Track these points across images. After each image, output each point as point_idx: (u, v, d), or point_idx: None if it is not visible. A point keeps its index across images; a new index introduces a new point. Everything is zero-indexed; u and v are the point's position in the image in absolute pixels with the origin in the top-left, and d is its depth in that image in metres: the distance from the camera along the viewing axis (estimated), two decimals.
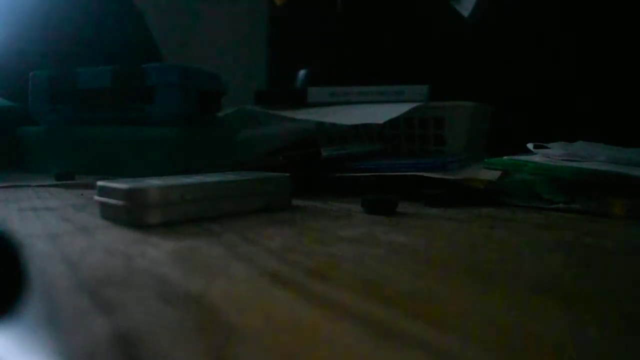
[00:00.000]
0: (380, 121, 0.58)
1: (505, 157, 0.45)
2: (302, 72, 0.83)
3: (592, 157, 0.43)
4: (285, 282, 0.19)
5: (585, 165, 0.41)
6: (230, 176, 0.37)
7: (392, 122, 0.66)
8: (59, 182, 0.54)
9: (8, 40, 0.81)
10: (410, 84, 0.67)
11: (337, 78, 0.72)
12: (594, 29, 0.69)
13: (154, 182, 0.32)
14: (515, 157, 0.45)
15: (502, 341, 0.14)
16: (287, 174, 0.39)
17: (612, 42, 0.68)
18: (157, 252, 0.24)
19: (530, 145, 0.48)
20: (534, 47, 0.74)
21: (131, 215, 0.30)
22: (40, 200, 0.41)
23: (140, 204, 0.30)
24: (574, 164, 0.41)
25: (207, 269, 0.21)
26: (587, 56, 0.70)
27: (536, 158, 0.45)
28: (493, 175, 0.44)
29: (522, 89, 0.74)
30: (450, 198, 0.41)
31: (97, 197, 0.33)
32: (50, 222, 0.31)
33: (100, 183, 0.33)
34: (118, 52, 0.78)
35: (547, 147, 0.48)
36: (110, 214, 0.32)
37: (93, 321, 0.15)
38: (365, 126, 0.70)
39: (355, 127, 0.70)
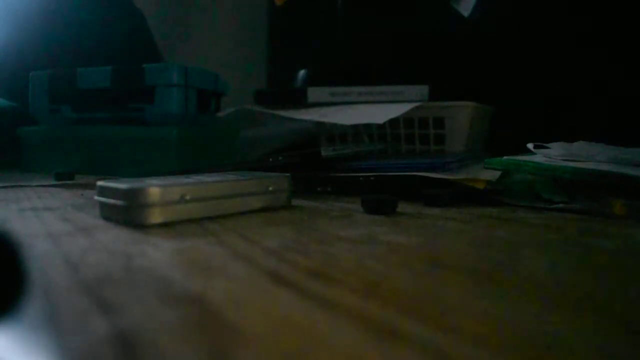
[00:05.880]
0: (380, 121, 0.58)
1: (505, 157, 0.45)
2: (302, 72, 0.83)
3: (592, 157, 0.43)
4: (285, 282, 0.19)
5: (585, 165, 0.41)
6: (230, 176, 0.37)
7: (392, 122, 0.66)
8: (59, 182, 0.54)
9: (8, 40, 0.81)
10: (410, 84, 0.67)
11: (337, 78, 0.72)
12: (594, 28, 0.69)
13: (154, 182, 0.32)
14: (515, 157, 0.45)
15: (502, 341, 0.14)
16: (287, 174, 0.39)
17: (612, 42, 0.68)
18: (157, 252, 0.24)
19: (530, 145, 0.48)
20: (534, 47, 0.74)
21: (131, 215, 0.30)
22: (40, 200, 0.41)
23: (140, 204, 0.30)
24: (574, 164, 0.41)
25: (207, 269, 0.21)
26: (588, 56, 0.70)
27: (536, 158, 0.45)
28: (493, 175, 0.44)
29: (522, 89, 0.74)
30: (450, 198, 0.41)
31: (97, 197, 0.33)
32: (50, 222, 0.31)
33: (100, 183, 0.33)
34: (118, 52, 0.78)
35: (547, 147, 0.48)
36: (110, 214, 0.32)
37: (93, 321, 0.15)
38: (365, 126, 0.70)
39: (355, 127, 0.70)
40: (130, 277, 0.20)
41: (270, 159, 0.49)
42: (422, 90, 0.67)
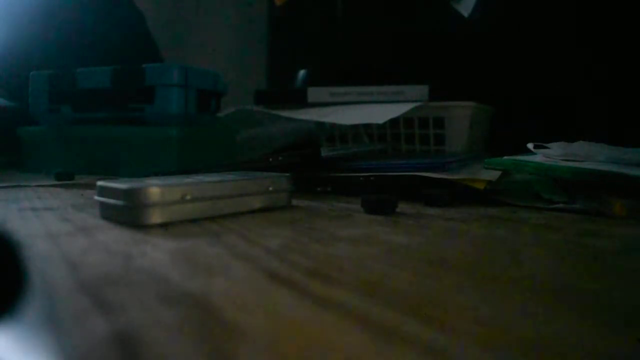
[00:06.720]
0: (380, 121, 0.58)
1: (505, 157, 0.45)
2: (302, 72, 0.83)
3: (592, 157, 0.43)
4: (285, 282, 0.19)
5: (585, 165, 0.41)
6: (230, 176, 0.37)
7: (392, 122, 0.66)
8: (59, 182, 0.54)
9: (8, 40, 0.81)
10: (410, 84, 0.67)
11: (337, 78, 0.72)
12: (594, 28, 0.69)
13: (154, 182, 0.32)
14: (515, 157, 0.45)
15: (502, 341, 0.14)
16: (287, 174, 0.39)
17: (612, 41, 0.68)
18: (157, 252, 0.24)
19: (530, 145, 0.48)
20: (534, 47, 0.74)
21: (131, 215, 0.30)
22: (40, 200, 0.41)
23: (140, 204, 0.30)
24: (574, 164, 0.41)
25: (207, 269, 0.21)
26: (588, 56, 0.70)
27: (536, 158, 0.45)
28: (493, 175, 0.44)
29: (522, 89, 0.74)
30: (450, 198, 0.41)
31: (97, 197, 0.33)
32: (50, 222, 0.31)
33: (100, 183, 0.33)
34: (118, 52, 0.78)
35: (547, 147, 0.48)
36: (110, 214, 0.32)
37: (93, 321, 0.15)
38: (365, 126, 0.70)
39: (355, 127, 0.70)
40: (130, 277, 0.20)
41: (270, 159, 0.49)
42: (422, 90, 0.67)
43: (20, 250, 0.16)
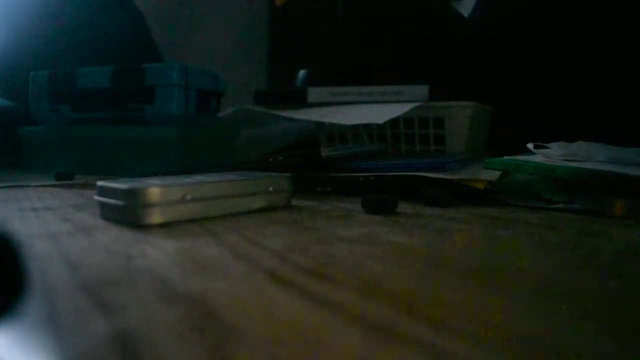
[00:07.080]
0: (380, 121, 0.58)
1: (505, 157, 0.45)
2: (302, 72, 0.83)
3: (592, 157, 0.43)
4: (285, 282, 0.19)
5: (585, 165, 0.41)
6: (230, 176, 0.37)
7: (392, 122, 0.66)
8: (59, 182, 0.54)
9: (8, 40, 0.81)
10: (410, 84, 0.67)
11: (337, 78, 0.72)
12: (594, 28, 0.69)
13: (154, 182, 0.32)
14: (515, 157, 0.45)
15: (502, 341, 0.14)
16: (287, 174, 0.39)
17: (612, 41, 0.68)
18: (157, 252, 0.24)
19: (530, 145, 0.48)
20: (534, 47, 0.74)
21: (131, 215, 0.30)
22: (40, 200, 0.41)
23: (140, 204, 0.30)
24: (574, 164, 0.41)
25: (207, 269, 0.21)
26: (588, 56, 0.70)
27: (536, 158, 0.45)
28: (493, 175, 0.44)
29: (522, 89, 0.74)
30: (450, 198, 0.41)
31: (97, 197, 0.33)
32: (50, 222, 0.31)
33: (100, 183, 0.33)
34: (118, 52, 0.78)
35: (547, 147, 0.48)
36: (110, 214, 0.32)
37: (93, 321, 0.15)
38: (365, 126, 0.70)
39: (355, 127, 0.70)
40: (130, 277, 0.20)
41: (270, 159, 0.49)
42: (422, 90, 0.67)
43: (20, 250, 0.16)
